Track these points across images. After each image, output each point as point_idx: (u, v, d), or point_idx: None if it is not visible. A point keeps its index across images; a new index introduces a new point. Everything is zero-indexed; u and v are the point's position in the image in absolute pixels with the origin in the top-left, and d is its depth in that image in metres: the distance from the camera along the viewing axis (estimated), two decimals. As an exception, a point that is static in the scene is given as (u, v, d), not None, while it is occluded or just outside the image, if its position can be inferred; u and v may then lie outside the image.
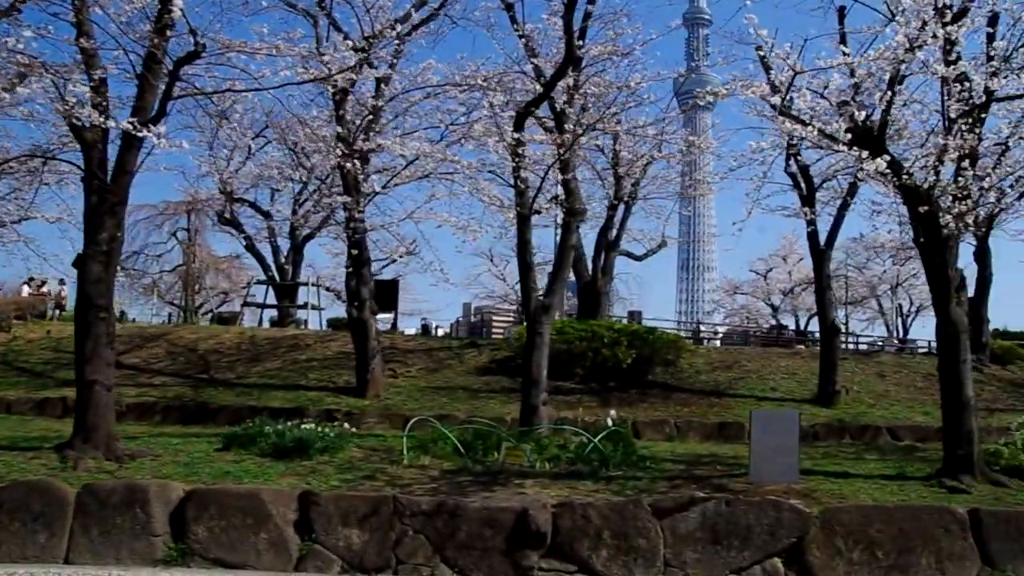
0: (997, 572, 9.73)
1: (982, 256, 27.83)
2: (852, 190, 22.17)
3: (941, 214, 12.43)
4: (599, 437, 13.04)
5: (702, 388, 22.31)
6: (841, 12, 14.10)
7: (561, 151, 16.73)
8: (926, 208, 12.20)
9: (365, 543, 9.88)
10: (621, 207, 26.24)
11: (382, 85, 19.31)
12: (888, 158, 11.38)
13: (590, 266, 26.31)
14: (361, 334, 20.73)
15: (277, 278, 33.75)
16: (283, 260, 34.22)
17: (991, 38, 12.65)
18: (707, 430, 18.69)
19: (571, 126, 16.52)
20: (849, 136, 11.59)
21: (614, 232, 26.49)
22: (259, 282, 37.28)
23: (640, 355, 22.35)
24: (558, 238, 28.35)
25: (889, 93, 11.74)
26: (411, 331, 38.69)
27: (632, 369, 22.20)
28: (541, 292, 17.03)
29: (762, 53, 12.55)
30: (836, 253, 47.64)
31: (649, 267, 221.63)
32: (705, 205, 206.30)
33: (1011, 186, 20.72)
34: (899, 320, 49.87)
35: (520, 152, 16.31)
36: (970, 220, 13.25)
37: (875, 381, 24.06)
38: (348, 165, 18.61)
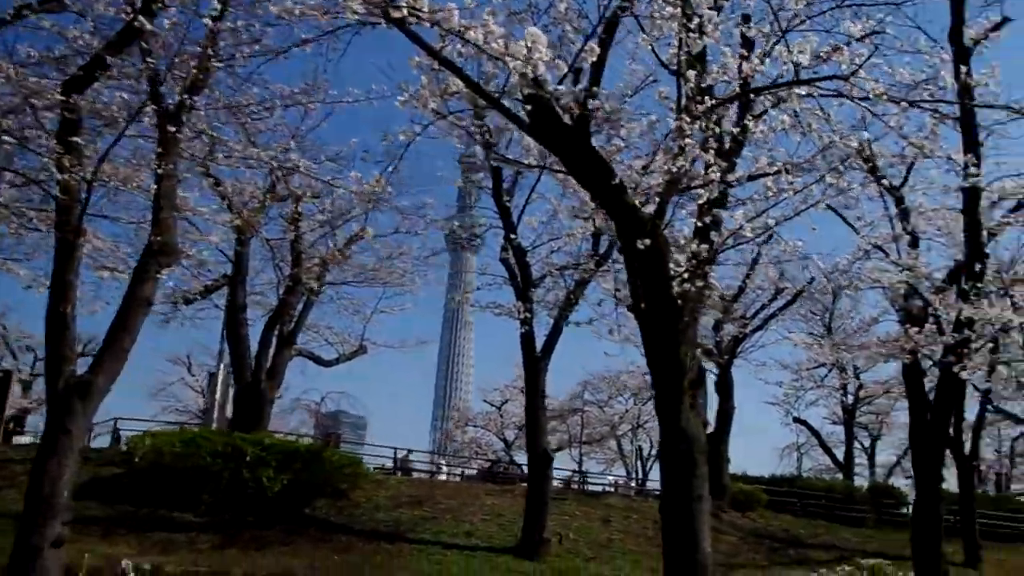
0: None
1: (724, 387, 24.92)
2: (577, 290, 17.97)
3: (672, 255, 7.96)
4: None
5: (376, 529, 16.84)
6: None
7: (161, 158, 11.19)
8: (648, 243, 7.61)
9: None
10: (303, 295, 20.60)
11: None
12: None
13: (253, 364, 20.09)
14: None
15: None
16: None
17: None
18: (355, 592, 12.97)
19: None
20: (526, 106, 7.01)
21: (291, 325, 20.65)
22: None
23: (297, 481, 16.76)
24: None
25: (597, 49, 7.24)
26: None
27: (285, 499, 16.54)
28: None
29: None
30: (575, 387, 45.12)
31: (415, 402, 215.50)
32: (466, 339, 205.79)
33: (757, 312, 17.55)
34: (639, 463, 46.98)
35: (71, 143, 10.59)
36: (714, 282, 9.04)
37: (598, 527, 19.50)
38: None
